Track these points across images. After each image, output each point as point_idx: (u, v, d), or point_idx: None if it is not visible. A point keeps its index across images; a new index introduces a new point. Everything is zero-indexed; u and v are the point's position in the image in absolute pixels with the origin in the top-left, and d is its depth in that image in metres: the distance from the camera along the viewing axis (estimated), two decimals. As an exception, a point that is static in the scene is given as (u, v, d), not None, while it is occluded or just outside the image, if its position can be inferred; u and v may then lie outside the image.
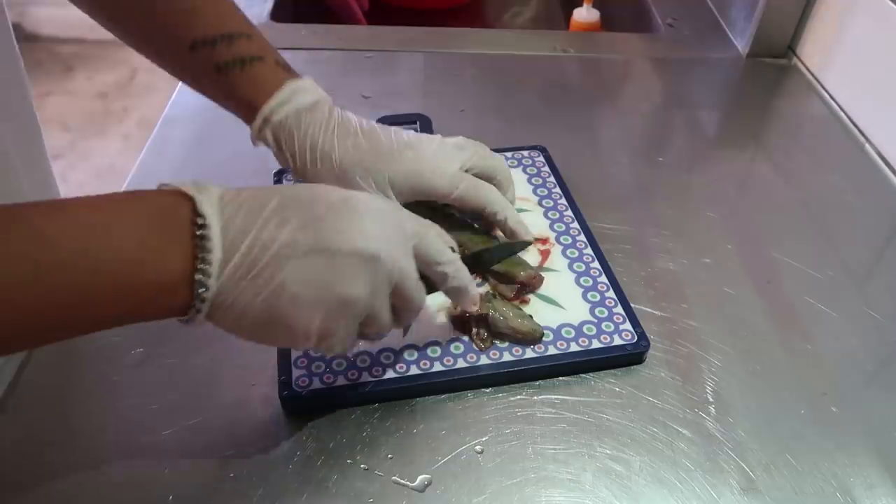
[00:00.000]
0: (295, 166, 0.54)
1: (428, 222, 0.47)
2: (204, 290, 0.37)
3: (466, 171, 0.56)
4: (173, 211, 0.37)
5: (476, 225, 0.61)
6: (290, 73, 0.54)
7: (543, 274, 0.59)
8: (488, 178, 0.58)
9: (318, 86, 0.55)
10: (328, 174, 0.54)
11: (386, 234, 0.42)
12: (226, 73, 0.51)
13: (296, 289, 0.39)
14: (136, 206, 0.37)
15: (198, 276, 0.37)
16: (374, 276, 0.41)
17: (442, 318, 0.55)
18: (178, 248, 0.37)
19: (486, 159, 0.58)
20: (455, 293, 0.49)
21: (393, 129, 0.56)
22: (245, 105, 0.53)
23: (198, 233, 0.37)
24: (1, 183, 0.55)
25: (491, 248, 0.57)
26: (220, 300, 0.38)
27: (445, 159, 0.55)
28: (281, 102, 0.52)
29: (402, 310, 0.46)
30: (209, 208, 0.38)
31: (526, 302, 0.57)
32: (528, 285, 0.57)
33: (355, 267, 0.40)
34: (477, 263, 0.54)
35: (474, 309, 0.51)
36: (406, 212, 0.46)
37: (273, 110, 0.52)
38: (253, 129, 0.53)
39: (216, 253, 0.37)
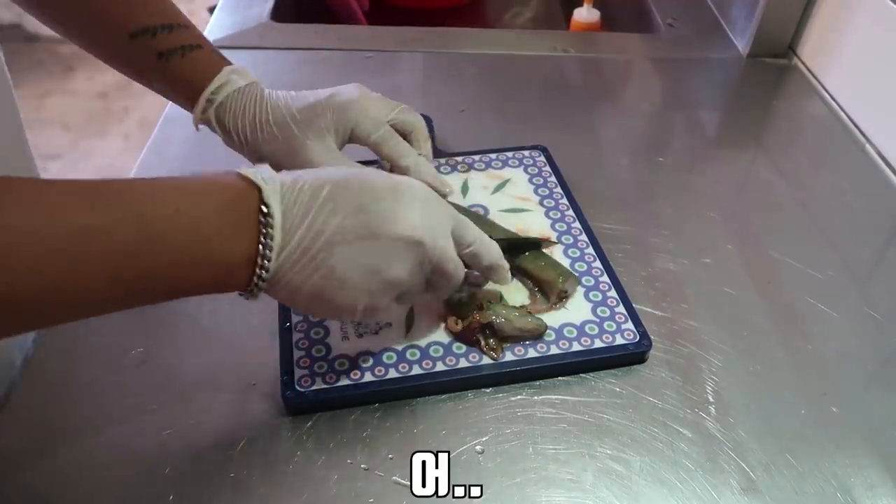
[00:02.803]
0: (239, 142, 0.58)
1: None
2: (265, 272, 0.42)
3: (389, 121, 0.59)
4: (243, 200, 0.42)
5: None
6: (225, 60, 0.58)
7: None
8: (406, 133, 0.61)
9: (249, 71, 0.59)
10: (273, 141, 0.57)
11: (428, 219, 0.45)
12: (167, 60, 0.55)
13: (344, 272, 0.43)
14: (213, 194, 0.42)
15: (260, 260, 0.42)
16: (416, 260, 0.45)
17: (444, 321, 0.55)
18: (246, 234, 0.41)
19: (408, 114, 0.61)
20: (489, 271, 0.52)
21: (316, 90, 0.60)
22: (188, 88, 0.57)
23: (262, 220, 0.42)
24: None
25: (513, 239, 0.59)
26: (278, 278, 0.43)
27: (372, 105, 0.59)
28: (221, 85, 0.56)
29: (440, 287, 0.49)
30: (273, 199, 0.42)
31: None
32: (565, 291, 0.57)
33: (400, 252, 0.44)
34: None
35: (509, 281, 0.53)
36: (441, 198, 0.50)
37: (215, 92, 0.56)
38: (196, 111, 0.57)
39: (277, 239, 0.42)
